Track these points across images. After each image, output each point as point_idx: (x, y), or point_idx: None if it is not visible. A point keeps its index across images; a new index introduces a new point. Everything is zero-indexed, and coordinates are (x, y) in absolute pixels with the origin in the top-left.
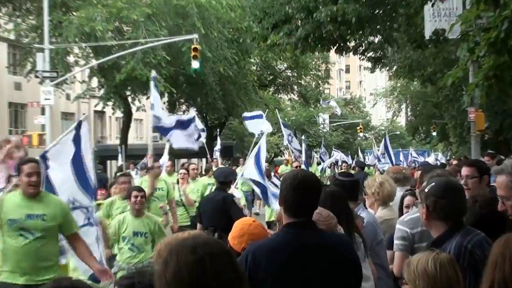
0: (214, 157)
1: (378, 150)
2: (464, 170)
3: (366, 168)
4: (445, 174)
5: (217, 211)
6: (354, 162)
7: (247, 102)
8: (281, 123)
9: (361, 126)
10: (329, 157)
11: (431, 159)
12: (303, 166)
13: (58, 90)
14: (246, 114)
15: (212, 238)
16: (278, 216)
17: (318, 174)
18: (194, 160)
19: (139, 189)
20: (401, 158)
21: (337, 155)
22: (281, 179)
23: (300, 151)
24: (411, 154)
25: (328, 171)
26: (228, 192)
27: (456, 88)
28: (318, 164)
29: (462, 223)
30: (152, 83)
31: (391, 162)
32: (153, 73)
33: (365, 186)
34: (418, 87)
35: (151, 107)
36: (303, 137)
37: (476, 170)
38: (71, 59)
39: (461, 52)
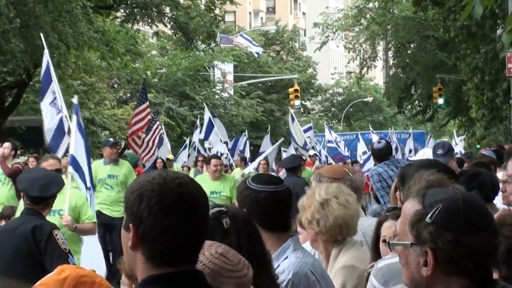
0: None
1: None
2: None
3: (309, 169)
4: (442, 181)
5: (18, 255)
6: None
7: (72, 40)
8: None
9: (296, 87)
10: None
11: (427, 152)
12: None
13: None
14: None
15: None
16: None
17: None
18: None
19: None
20: (361, 147)
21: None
22: (127, 189)
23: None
24: (395, 139)
25: (193, 170)
26: (45, 216)
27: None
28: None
29: (491, 278)
30: None
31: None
32: None
33: (299, 206)
34: (408, 9)
35: None
36: (182, 108)
37: None
38: None
39: None
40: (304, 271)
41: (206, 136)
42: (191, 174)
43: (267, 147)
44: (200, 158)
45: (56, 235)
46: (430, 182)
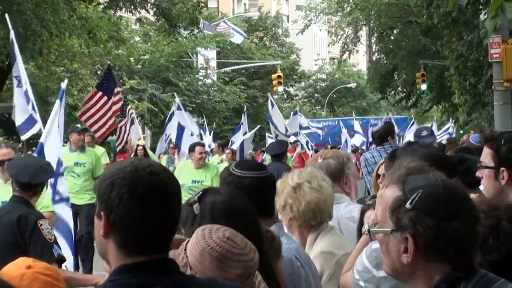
0: None
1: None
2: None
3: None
4: (423, 168)
5: (5, 245)
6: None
7: (54, 28)
8: None
9: (280, 73)
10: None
11: (409, 135)
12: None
13: None
14: None
15: None
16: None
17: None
18: None
19: None
20: (344, 134)
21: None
22: (100, 177)
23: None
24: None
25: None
26: (34, 205)
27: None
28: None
29: (472, 266)
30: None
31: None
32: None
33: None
34: None
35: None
36: (166, 94)
37: (493, 154)
38: None
39: None
40: (288, 257)
41: (178, 141)
42: (164, 161)
43: (244, 129)
44: (171, 145)
45: (41, 225)
46: (410, 169)
